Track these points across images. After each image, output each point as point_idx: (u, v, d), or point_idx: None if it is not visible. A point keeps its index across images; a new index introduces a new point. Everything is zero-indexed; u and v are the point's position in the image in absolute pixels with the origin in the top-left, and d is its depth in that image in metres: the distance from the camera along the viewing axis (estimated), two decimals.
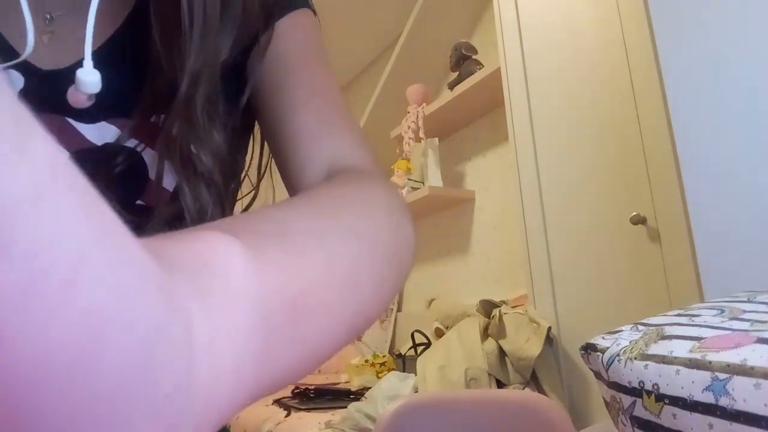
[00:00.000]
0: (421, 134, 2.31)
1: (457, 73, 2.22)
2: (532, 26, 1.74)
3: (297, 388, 2.09)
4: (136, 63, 0.42)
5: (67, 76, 0.40)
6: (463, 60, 2.20)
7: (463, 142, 2.48)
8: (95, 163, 0.41)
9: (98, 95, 0.40)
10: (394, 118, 2.52)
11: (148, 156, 0.42)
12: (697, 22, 1.05)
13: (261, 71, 0.45)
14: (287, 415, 1.79)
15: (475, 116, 2.36)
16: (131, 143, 0.41)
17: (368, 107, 2.74)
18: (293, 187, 0.43)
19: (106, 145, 0.41)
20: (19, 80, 0.39)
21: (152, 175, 0.42)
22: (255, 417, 1.93)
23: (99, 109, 0.41)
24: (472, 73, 2.11)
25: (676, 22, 1.08)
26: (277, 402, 2.02)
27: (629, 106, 1.37)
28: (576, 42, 1.57)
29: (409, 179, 2.45)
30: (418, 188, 2.36)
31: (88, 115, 0.41)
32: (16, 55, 0.39)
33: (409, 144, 2.34)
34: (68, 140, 0.40)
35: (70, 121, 0.40)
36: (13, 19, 0.39)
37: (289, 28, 0.46)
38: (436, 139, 2.38)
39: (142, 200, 0.42)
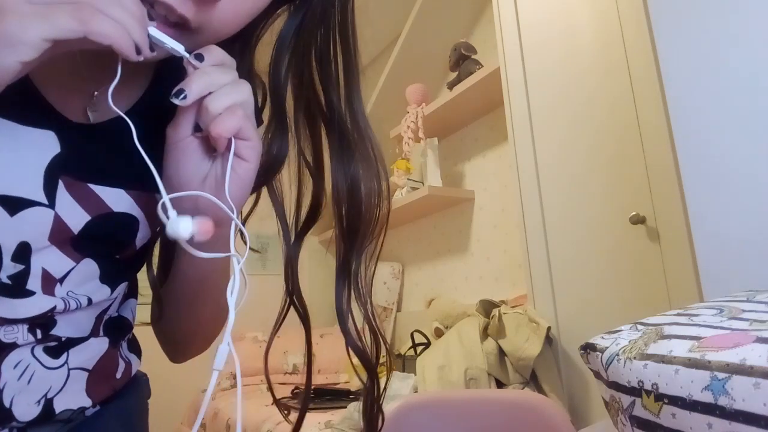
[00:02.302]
0: (421, 134, 2.31)
1: (456, 72, 2.22)
2: (532, 26, 1.74)
3: (297, 388, 2.09)
4: (158, 136, 0.45)
5: (97, 130, 0.45)
6: (463, 60, 2.19)
7: (463, 141, 2.48)
8: (106, 227, 0.45)
9: (121, 162, 0.44)
10: (393, 118, 2.52)
11: (143, 227, 0.48)
12: (697, 20, 1.05)
13: None
14: (287, 415, 1.79)
15: (474, 116, 2.36)
16: (137, 213, 0.46)
17: (368, 107, 2.72)
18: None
19: (119, 214, 0.46)
20: (55, 146, 0.42)
21: (138, 241, 0.48)
22: (255, 417, 1.93)
23: (120, 176, 0.45)
24: (472, 73, 2.11)
25: (675, 21, 1.08)
26: (277, 402, 2.02)
27: (629, 105, 1.37)
28: (575, 42, 1.57)
29: (409, 179, 2.45)
30: (418, 188, 2.36)
31: (111, 179, 0.45)
32: (67, 122, 0.43)
33: (408, 144, 2.34)
34: (90, 206, 0.44)
35: (93, 187, 0.44)
36: (65, 92, 0.43)
37: None
38: (436, 138, 2.38)
39: (120, 255, 0.48)
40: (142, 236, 0.48)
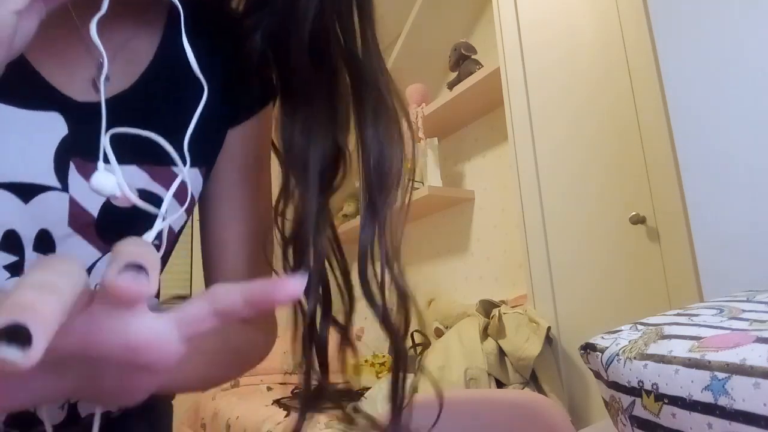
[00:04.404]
0: (421, 134, 2.31)
1: (456, 72, 2.22)
2: (532, 26, 1.74)
3: (297, 388, 2.09)
4: (164, 107, 0.43)
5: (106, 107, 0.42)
6: (463, 60, 2.19)
7: (463, 142, 2.48)
8: (125, 207, 0.42)
9: (129, 137, 0.41)
10: None
11: (171, 203, 0.44)
12: (697, 20, 1.05)
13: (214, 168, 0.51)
14: (287, 415, 1.79)
15: (474, 116, 2.36)
16: (154, 188, 0.44)
17: None
18: (208, 281, 0.53)
19: (136, 191, 0.43)
20: (63, 128, 0.40)
21: (173, 222, 0.45)
22: (255, 417, 1.93)
23: (131, 152, 0.42)
24: (472, 73, 2.11)
25: (675, 21, 1.08)
26: (277, 402, 2.02)
27: (629, 105, 1.37)
28: (575, 42, 1.57)
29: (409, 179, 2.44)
30: (418, 188, 2.35)
31: (122, 157, 0.41)
32: (71, 102, 0.41)
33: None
34: None
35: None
36: (68, 70, 0.41)
37: (254, 131, 0.52)
38: (436, 139, 2.38)
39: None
40: (173, 215, 0.45)
